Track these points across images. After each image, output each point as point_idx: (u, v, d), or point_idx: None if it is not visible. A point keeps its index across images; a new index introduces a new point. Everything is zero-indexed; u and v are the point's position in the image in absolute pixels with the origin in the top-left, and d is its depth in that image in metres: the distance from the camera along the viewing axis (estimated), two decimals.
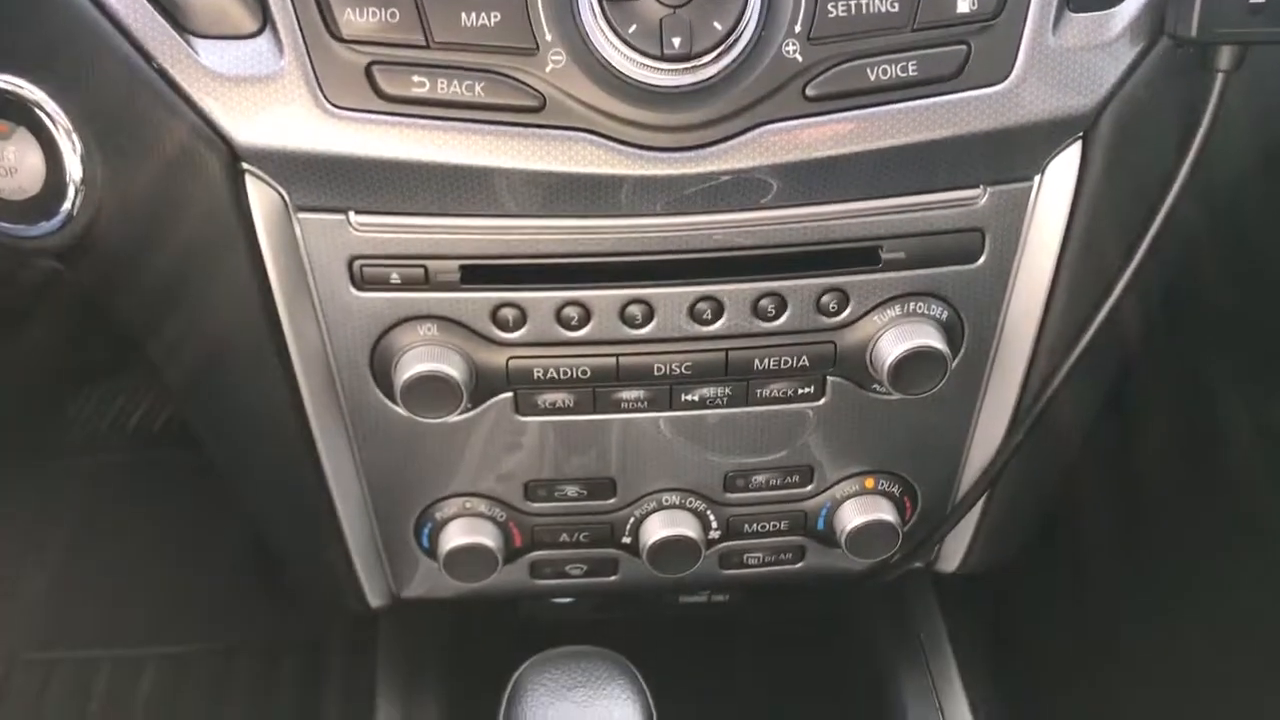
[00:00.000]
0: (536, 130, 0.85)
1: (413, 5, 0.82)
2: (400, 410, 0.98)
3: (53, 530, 1.85)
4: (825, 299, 0.97)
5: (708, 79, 0.83)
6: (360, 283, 0.94)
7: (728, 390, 1.02)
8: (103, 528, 1.85)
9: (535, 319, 0.96)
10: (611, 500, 1.10)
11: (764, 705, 1.52)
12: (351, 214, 0.90)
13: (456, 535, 1.09)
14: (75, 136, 0.86)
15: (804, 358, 1.00)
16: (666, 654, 1.18)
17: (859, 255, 0.95)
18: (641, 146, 0.86)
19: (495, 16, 0.82)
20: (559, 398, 1.01)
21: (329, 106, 0.85)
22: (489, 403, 1.01)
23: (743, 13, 0.82)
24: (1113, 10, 0.88)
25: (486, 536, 1.09)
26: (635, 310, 0.96)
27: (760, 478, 1.10)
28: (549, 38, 0.83)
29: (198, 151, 0.86)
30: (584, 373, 0.99)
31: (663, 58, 0.82)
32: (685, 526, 1.10)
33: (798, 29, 0.84)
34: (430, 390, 0.95)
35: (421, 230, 0.91)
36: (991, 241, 0.96)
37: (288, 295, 0.95)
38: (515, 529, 1.12)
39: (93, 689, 1.69)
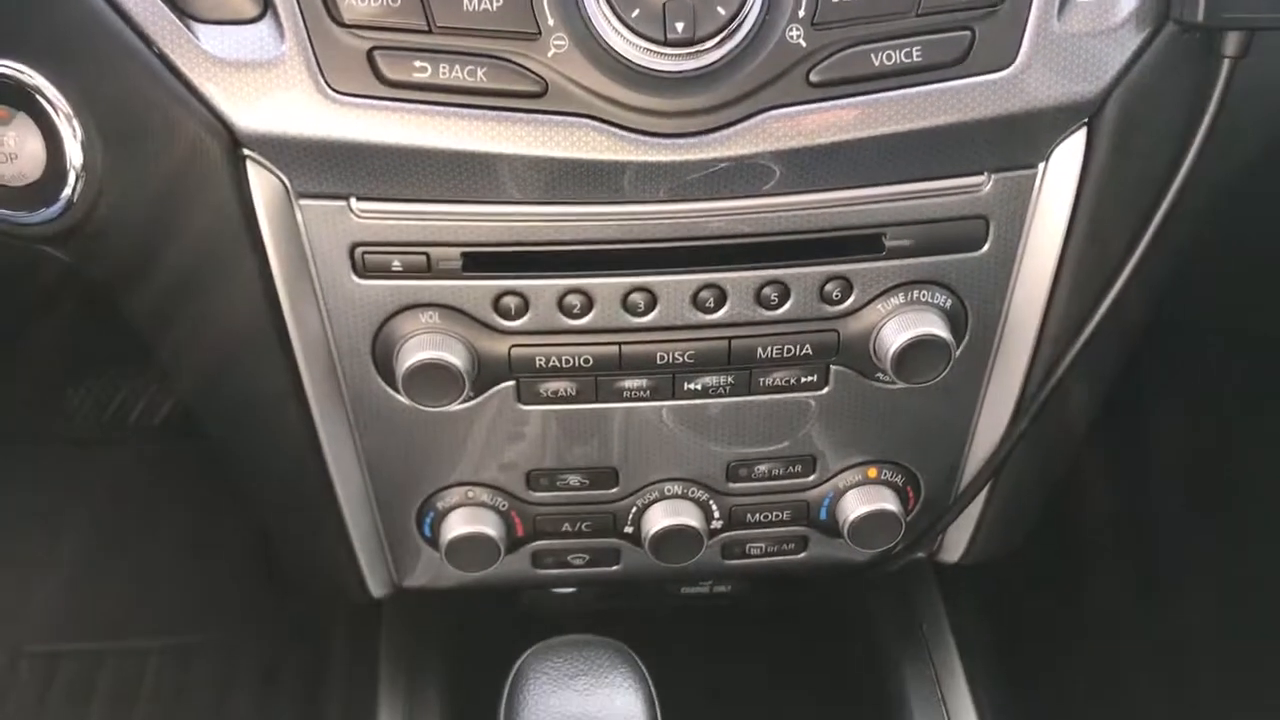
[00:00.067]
0: (538, 116, 0.85)
1: None
2: (402, 399, 0.98)
3: (57, 523, 1.85)
4: (828, 287, 0.97)
5: (711, 64, 0.83)
6: (362, 270, 0.93)
7: (730, 379, 1.01)
8: (107, 520, 1.85)
9: (537, 307, 0.96)
10: (614, 490, 1.10)
11: (766, 694, 1.52)
12: (353, 201, 0.90)
13: (458, 525, 1.09)
14: (76, 122, 0.86)
15: (807, 346, 1.00)
16: (668, 644, 1.18)
17: (862, 243, 0.95)
18: (644, 132, 0.85)
19: (497, 1, 0.82)
20: (561, 386, 1.01)
21: (330, 92, 0.84)
22: (491, 391, 1.01)
23: None
24: None
25: (488, 526, 1.09)
26: (638, 298, 0.96)
27: (763, 467, 1.10)
28: (551, 22, 0.82)
29: (198, 137, 0.86)
30: (586, 361, 0.98)
31: (666, 42, 0.81)
32: (687, 516, 1.10)
33: (801, 14, 0.83)
34: (432, 378, 0.95)
35: (423, 217, 0.91)
36: (996, 229, 0.95)
37: (289, 283, 0.94)
38: (517, 518, 1.11)
39: (97, 681, 1.69)
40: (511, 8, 0.82)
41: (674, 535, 1.10)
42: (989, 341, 1.03)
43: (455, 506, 1.10)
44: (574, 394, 1.01)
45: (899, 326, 0.97)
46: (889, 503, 1.10)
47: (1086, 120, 0.91)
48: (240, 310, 0.95)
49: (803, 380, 1.02)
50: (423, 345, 0.95)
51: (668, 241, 0.93)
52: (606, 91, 0.84)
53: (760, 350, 0.99)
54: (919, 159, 0.90)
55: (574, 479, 1.09)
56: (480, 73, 0.84)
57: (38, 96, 0.85)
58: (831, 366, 1.02)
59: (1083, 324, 0.99)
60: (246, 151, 0.87)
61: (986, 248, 0.96)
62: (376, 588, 1.20)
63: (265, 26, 0.84)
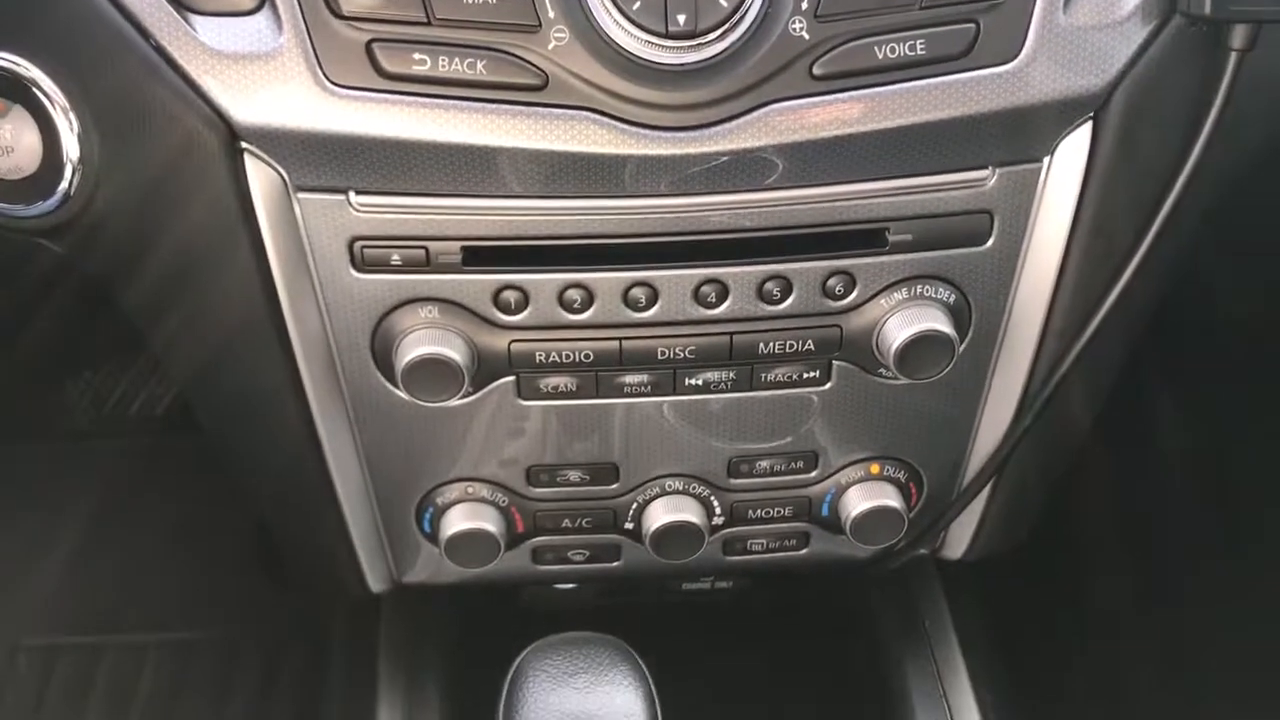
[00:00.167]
0: (539, 109, 0.84)
1: None
2: (401, 394, 0.97)
3: (56, 517, 1.85)
4: (831, 282, 0.96)
5: (712, 57, 0.82)
6: (361, 264, 0.93)
7: (732, 374, 1.01)
8: (106, 514, 1.85)
9: (537, 302, 0.95)
10: (614, 486, 1.09)
11: (767, 691, 1.52)
12: (352, 194, 0.90)
13: (458, 520, 1.08)
14: (72, 115, 0.86)
15: (809, 342, 0.99)
16: (669, 640, 1.17)
17: (866, 237, 0.94)
18: (645, 126, 0.85)
19: None
20: (561, 382, 1.00)
21: (329, 85, 0.84)
22: (491, 386, 1.00)
23: None
24: None
25: (488, 522, 1.08)
26: (639, 293, 0.95)
27: (764, 463, 1.09)
28: (551, 15, 0.82)
29: (196, 130, 0.85)
30: (587, 356, 0.98)
31: (667, 35, 0.81)
32: (688, 512, 1.09)
33: (804, 6, 0.82)
34: (431, 373, 0.94)
35: (422, 211, 0.90)
36: (1000, 224, 0.95)
37: (287, 277, 0.94)
38: (517, 514, 1.11)
39: (96, 675, 1.69)
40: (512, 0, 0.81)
41: (675, 531, 1.09)
42: (993, 337, 1.02)
43: (455, 502, 1.09)
44: (574, 389, 1.01)
45: (902, 322, 0.96)
46: (891, 499, 1.10)
47: (1092, 114, 0.90)
48: (238, 305, 0.95)
49: (805, 376, 1.02)
50: (422, 340, 0.94)
51: (669, 236, 0.92)
52: (607, 84, 0.83)
53: (762, 346, 0.99)
54: (923, 153, 0.89)
55: (574, 475, 1.08)
56: (480, 65, 0.83)
57: (34, 89, 0.85)
58: (834, 362, 1.01)
59: (1087, 319, 0.98)
60: (244, 144, 0.87)
61: (991, 243, 0.96)
62: (376, 583, 1.20)
63: (263, 19, 0.84)
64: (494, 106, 0.84)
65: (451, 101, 0.84)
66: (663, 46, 0.81)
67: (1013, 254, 0.97)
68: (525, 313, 0.95)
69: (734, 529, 1.14)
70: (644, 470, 1.09)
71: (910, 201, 0.92)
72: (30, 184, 0.88)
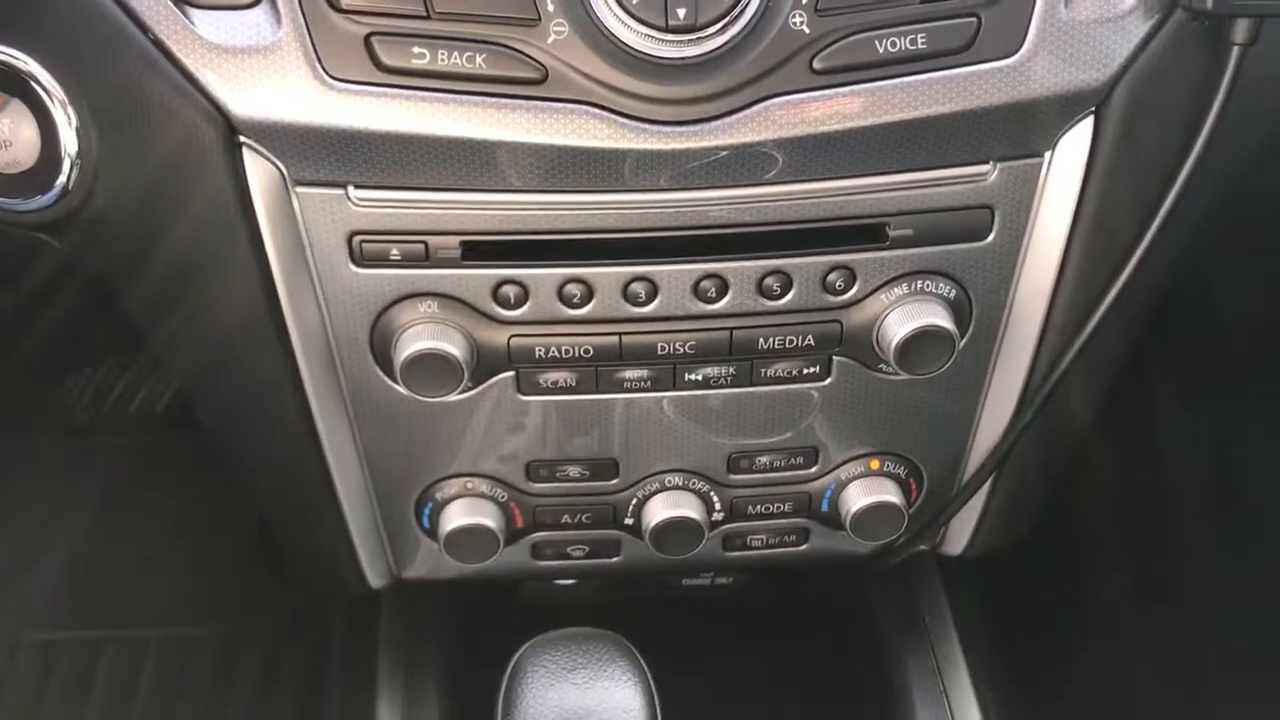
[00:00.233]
0: (538, 103, 0.84)
1: None
2: (400, 389, 0.97)
3: (57, 513, 1.85)
4: (831, 277, 0.96)
5: (713, 51, 0.82)
6: (360, 259, 0.93)
7: (732, 370, 1.01)
8: (106, 511, 1.85)
9: (537, 296, 0.95)
10: (614, 481, 1.09)
11: (767, 687, 1.52)
12: (351, 189, 0.89)
13: (457, 516, 1.08)
14: (70, 109, 0.85)
15: (809, 337, 0.99)
16: (668, 636, 1.17)
17: (866, 232, 0.94)
18: (645, 120, 0.84)
19: None
20: (561, 377, 1.00)
21: (327, 79, 0.83)
22: (490, 382, 1.00)
23: None
24: None
25: (488, 517, 1.08)
26: (638, 288, 0.95)
27: (764, 459, 1.09)
28: (551, 8, 0.81)
29: (194, 124, 0.85)
30: (586, 351, 0.98)
31: (667, 29, 0.81)
32: (688, 508, 1.09)
33: (804, 0, 0.82)
34: (431, 368, 0.94)
35: (422, 205, 0.90)
36: (1001, 219, 0.94)
37: (286, 272, 0.94)
38: (517, 510, 1.11)
39: (96, 671, 1.69)
40: None
41: (674, 527, 1.09)
42: (993, 332, 1.02)
43: (454, 498, 1.09)
44: (574, 384, 1.00)
45: (902, 317, 0.96)
46: (891, 495, 1.10)
47: (1093, 109, 0.90)
48: (237, 300, 0.95)
49: (805, 371, 1.02)
50: (421, 335, 0.94)
51: (669, 230, 0.92)
52: (607, 78, 0.83)
53: (762, 341, 0.99)
54: (923, 147, 0.89)
55: (574, 470, 1.08)
56: (479, 59, 0.83)
57: (32, 83, 0.85)
58: (834, 357, 1.01)
59: (1088, 314, 0.98)
60: (243, 139, 0.86)
61: (991, 238, 0.95)
62: (375, 579, 1.20)
63: (262, 12, 0.83)
64: (493, 100, 0.84)
65: (451, 95, 0.84)
66: (662, 40, 0.81)
67: (1013, 249, 0.96)
68: (525, 308, 0.95)
69: (734, 524, 1.14)
70: (644, 465, 1.08)
71: (911, 196, 0.92)
72: (28, 178, 0.87)
